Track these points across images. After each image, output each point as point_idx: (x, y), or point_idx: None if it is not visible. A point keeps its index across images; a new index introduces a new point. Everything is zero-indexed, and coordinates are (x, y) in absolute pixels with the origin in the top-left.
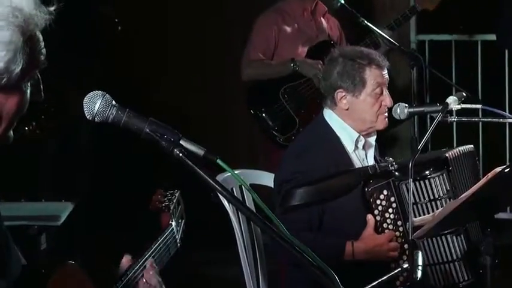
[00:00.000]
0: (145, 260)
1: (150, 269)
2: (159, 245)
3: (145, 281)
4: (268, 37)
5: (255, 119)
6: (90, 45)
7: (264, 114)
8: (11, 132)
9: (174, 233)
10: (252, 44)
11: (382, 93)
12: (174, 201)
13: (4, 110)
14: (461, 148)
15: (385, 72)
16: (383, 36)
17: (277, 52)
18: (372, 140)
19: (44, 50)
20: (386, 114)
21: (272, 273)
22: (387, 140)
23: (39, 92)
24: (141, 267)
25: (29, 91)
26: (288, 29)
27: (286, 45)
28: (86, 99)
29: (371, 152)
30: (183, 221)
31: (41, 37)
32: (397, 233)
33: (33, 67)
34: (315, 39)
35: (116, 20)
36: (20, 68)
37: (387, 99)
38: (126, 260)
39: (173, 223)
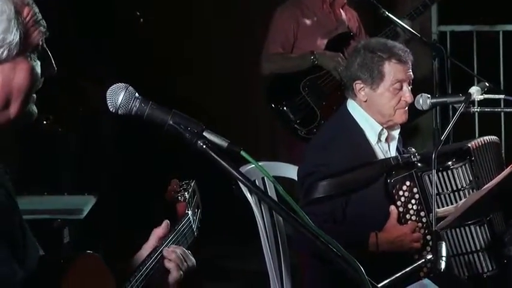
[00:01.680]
0: (162, 250)
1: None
2: (176, 234)
3: (165, 256)
4: (287, 30)
5: (275, 113)
6: (111, 37)
7: (284, 108)
8: (34, 107)
9: (190, 222)
10: (271, 38)
11: (401, 88)
12: (190, 190)
13: (14, 85)
14: (484, 138)
15: (408, 68)
16: (404, 27)
17: (297, 45)
18: (396, 133)
19: (43, 21)
20: (406, 108)
21: (294, 266)
22: (409, 131)
23: (51, 65)
24: (159, 256)
25: (38, 65)
26: (307, 22)
27: (305, 38)
28: (109, 91)
29: (394, 144)
30: (200, 210)
31: (36, 8)
32: (420, 224)
33: (32, 38)
34: (334, 31)
35: (138, 13)
36: (17, 38)
37: (407, 95)
38: (164, 226)
39: (189, 212)
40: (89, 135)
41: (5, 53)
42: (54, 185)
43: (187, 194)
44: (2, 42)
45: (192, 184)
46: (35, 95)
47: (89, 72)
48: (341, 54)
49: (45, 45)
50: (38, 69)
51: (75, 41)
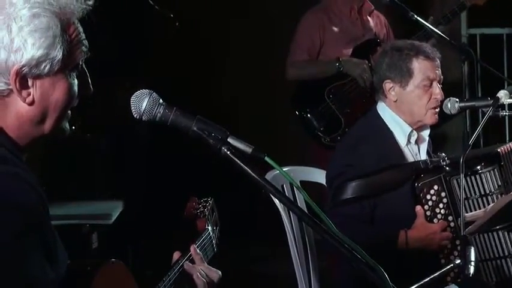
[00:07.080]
0: (183, 263)
1: (194, 260)
2: (197, 247)
3: (186, 270)
4: (313, 36)
5: (300, 120)
6: (144, 41)
7: (309, 115)
8: (66, 125)
9: (211, 237)
10: (297, 43)
11: (431, 86)
12: (209, 208)
13: (52, 100)
14: None
15: (437, 65)
16: (433, 30)
17: (323, 51)
18: (425, 134)
19: (85, 41)
20: (437, 109)
21: (323, 269)
22: (439, 135)
23: (87, 86)
24: (180, 270)
25: (76, 84)
26: (334, 29)
27: (331, 45)
28: (133, 98)
29: (424, 147)
30: (218, 228)
31: (80, 27)
32: (449, 228)
33: (74, 56)
34: (361, 38)
35: (172, 16)
36: (60, 55)
37: (437, 92)
38: (176, 255)
39: (209, 228)
40: (117, 141)
41: (47, 68)
42: (82, 191)
43: (207, 211)
44: (45, 57)
45: (211, 202)
46: (69, 112)
47: (117, 76)
48: (367, 62)
49: (84, 65)
50: (76, 88)
51: (103, 44)
